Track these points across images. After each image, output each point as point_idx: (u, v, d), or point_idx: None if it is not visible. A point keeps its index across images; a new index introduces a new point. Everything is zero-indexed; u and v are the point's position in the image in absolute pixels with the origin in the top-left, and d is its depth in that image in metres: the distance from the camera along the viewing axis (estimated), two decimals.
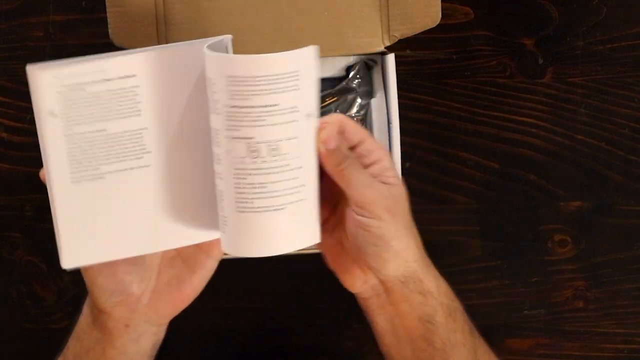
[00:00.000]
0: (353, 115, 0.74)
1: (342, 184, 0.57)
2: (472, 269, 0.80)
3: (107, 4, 0.69)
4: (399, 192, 0.59)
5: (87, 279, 0.62)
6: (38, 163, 0.78)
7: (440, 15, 0.70)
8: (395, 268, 0.59)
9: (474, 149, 0.81)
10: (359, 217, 0.57)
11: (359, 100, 0.74)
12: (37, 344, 0.80)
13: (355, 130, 0.59)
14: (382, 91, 0.74)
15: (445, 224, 0.79)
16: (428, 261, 0.61)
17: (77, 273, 0.78)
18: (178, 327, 0.80)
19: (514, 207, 0.79)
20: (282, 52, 0.54)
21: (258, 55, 0.54)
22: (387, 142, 0.75)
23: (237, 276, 0.80)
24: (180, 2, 0.71)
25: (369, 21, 0.71)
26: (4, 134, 0.79)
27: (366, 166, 0.59)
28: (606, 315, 0.80)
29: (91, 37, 0.77)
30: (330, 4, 0.71)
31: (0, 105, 0.79)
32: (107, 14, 0.69)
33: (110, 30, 0.69)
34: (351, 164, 0.57)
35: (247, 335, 0.80)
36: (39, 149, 0.78)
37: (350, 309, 0.80)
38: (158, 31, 0.71)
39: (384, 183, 0.58)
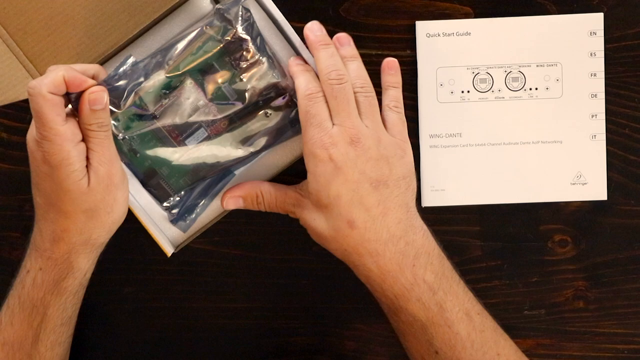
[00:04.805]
0: (242, 32, 0.70)
1: None
2: (472, 269, 0.80)
3: None
4: None
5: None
6: None
7: None
8: None
9: None
10: None
11: (232, 13, 0.70)
12: None
13: None
14: None
15: (445, 224, 0.79)
16: None
17: None
18: (178, 327, 0.80)
19: (514, 207, 0.79)
20: None
21: None
22: (288, 43, 0.73)
23: (237, 276, 0.80)
24: None
25: None
26: (4, 134, 0.79)
27: None
28: (606, 315, 0.80)
29: None
30: None
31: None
32: None
33: None
34: None
35: (247, 335, 0.80)
36: None
37: (352, 309, 0.80)
38: None
39: None
